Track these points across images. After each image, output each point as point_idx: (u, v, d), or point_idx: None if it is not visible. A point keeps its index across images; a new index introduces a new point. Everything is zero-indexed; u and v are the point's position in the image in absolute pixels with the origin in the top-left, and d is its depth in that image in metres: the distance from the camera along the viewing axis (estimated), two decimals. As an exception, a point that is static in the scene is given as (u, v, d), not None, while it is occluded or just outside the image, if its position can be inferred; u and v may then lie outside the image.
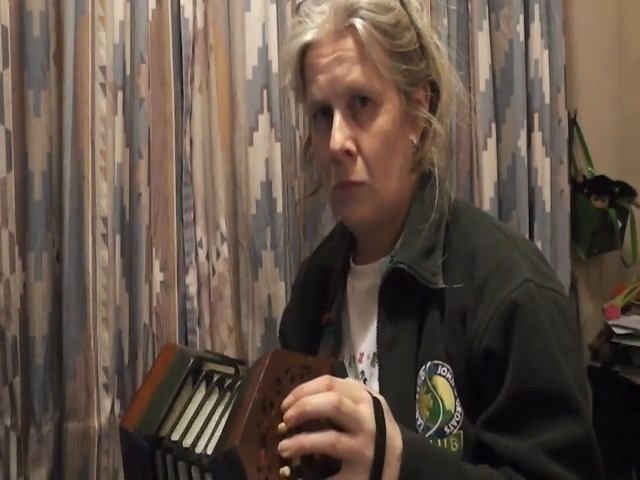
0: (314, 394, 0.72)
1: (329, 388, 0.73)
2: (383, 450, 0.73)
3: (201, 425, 0.78)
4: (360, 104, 0.94)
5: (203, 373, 0.82)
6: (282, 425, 0.71)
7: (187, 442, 0.77)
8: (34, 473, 1.45)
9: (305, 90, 1.00)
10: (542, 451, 0.82)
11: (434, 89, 0.99)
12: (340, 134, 0.92)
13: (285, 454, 0.70)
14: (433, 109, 0.99)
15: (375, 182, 0.95)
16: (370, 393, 0.77)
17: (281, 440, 0.71)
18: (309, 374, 0.76)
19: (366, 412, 0.73)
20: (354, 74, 0.92)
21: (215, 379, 0.81)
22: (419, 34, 0.96)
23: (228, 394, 0.80)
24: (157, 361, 0.86)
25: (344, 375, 0.80)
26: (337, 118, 0.93)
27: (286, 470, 0.70)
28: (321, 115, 0.97)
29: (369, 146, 0.94)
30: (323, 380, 0.74)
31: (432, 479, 0.77)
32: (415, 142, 0.97)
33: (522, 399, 0.84)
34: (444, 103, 0.99)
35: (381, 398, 0.78)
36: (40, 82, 1.44)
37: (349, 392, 0.74)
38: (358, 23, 0.92)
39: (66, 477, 1.46)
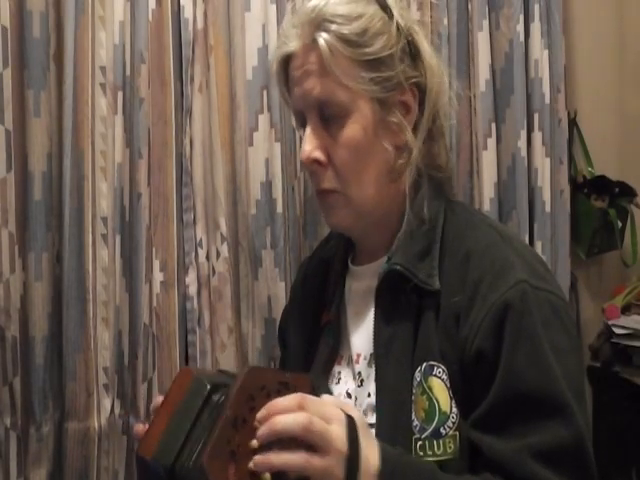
0: (286, 411, 0.73)
1: (301, 406, 0.74)
2: (356, 469, 0.74)
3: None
4: (328, 115, 0.95)
5: (217, 399, 0.82)
6: (254, 442, 0.73)
7: (189, 465, 0.78)
8: (34, 473, 1.45)
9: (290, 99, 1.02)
10: (528, 454, 0.81)
11: (422, 90, 0.98)
12: (309, 145, 0.95)
13: (256, 470, 0.73)
14: (423, 110, 0.99)
15: (348, 190, 0.95)
16: (344, 411, 0.77)
17: (253, 456, 0.73)
18: (287, 390, 0.78)
19: (337, 432, 0.75)
20: (318, 88, 0.94)
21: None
22: (400, 35, 0.95)
23: None
24: (172, 387, 0.85)
25: (324, 391, 0.82)
26: (308, 129, 0.96)
27: None
28: (301, 123, 0.99)
29: (338, 156, 0.95)
30: (295, 397, 0.75)
31: None
32: (390, 149, 0.96)
33: (510, 400, 0.84)
34: (430, 104, 0.98)
35: (356, 415, 0.78)
36: (40, 82, 1.44)
37: (321, 411, 0.75)
38: (320, 37, 0.93)
39: (66, 477, 1.46)
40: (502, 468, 0.82)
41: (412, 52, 0.97)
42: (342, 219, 0.98)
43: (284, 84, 1.02)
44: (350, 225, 0.99)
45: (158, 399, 0.87)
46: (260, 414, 0.74)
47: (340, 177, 0.95)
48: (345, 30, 0.93)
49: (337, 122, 0.94)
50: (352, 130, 0.94)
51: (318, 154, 0.95)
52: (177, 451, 0.79)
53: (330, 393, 0.85)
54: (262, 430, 0.73)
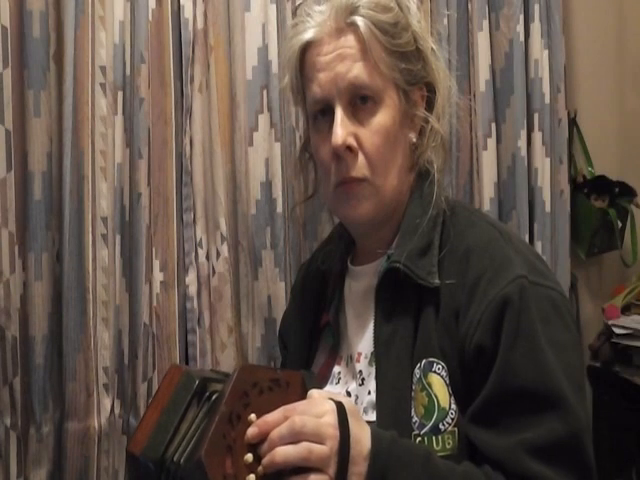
0: (275, 424, 0.77)
1: (287, 417, 0.78)
2: (347, 450, 0.77)
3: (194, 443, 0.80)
4: (361, 101, 0.95)
5: (207, 394, 0.83)
6: (248, 436, 0.78)
7: (182, 460, 0.79)
8: (34, 473, 1.45)
9: (304, 89, 1.00)
10: (523, 450, 0.82)
11: (430, 90, 1.00)
12: (342, 129, 0.94)
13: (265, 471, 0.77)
14: (430, 109, 1.00)
15: (376, 179, 0.95)
16: (333, 400, 0.80)
17: (248, 450, 0.77)
18: (278, 387, 0.82)
19: (329, 420, 0.78)
20: (356, 71, 0.94)
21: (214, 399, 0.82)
22: (415, 37, 0.98)
23: None
24: (162, 383, 0.87)
25: (314, 386, 0.84)
26: (339, 114, 0.94)
27: (252, 477, 0.76)
28: (321, 114, 0.98)
29: (370, 142, 0.95)
30: (280, 411, 0.79)
31: (401, 475, 0.79)
32: (414, 140, 0.98)
33: (504, 395, 0.84)
34: (440, 104, 1.00)
35: (345, 401, 0.81)
36: (40, 82, 1.44)
37: (310, 411, 0.78)
38: (360, 20, 0.94)
39: (66, 477, 1.46)
40: (497, 464, 0.83)
41: (424, 55, 0.99)
42: (368, 210, 0.97)
43: (299, 73, 1.01)
44: (373, 217, 0.98)
45: None
46: (252, 431, 0.77)
47: (371, 165, 0.95)
48: (381, 18, 0.95)
49: (369, 108, 0.95)
50: (384, 117, 0.95)
51: (351, 140, 0.94)
52: (165, 445, 0.80)
53: (319, 387, 0.87)
54: (266, 460, 0.76)
